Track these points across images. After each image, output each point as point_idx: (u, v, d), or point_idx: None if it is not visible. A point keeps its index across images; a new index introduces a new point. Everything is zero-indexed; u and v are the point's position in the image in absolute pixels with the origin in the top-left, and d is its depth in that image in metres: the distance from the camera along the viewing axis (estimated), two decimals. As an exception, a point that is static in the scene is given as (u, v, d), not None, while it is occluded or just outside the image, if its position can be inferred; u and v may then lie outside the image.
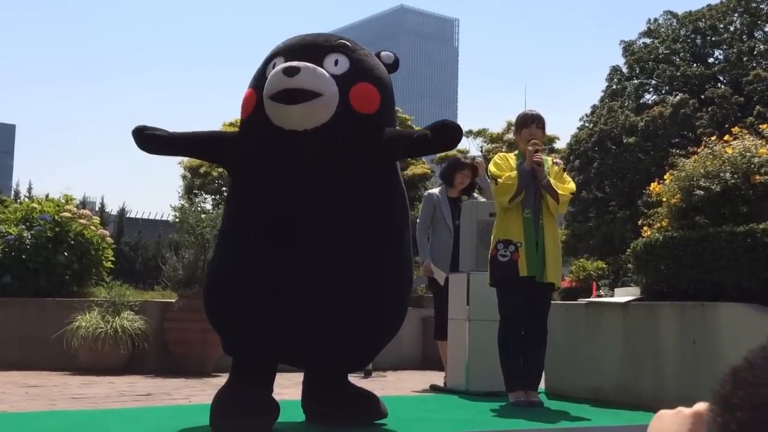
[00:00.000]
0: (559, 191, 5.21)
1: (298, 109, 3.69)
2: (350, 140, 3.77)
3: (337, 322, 3.72)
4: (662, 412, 0.87)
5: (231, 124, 27.23)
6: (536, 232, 5.16)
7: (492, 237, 5.31)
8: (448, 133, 3.75)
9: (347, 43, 3.98)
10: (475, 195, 6.79)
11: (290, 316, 3.67)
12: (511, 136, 33.44)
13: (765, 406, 0.68)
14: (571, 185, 5.42)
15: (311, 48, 3.89)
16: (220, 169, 29.16)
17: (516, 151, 5.46)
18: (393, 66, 4.16)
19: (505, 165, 5.26)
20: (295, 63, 3.69)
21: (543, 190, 5.19)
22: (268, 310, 3.67)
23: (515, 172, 5.15)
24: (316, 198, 3.73)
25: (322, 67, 3.76)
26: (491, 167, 5.31)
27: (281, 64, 3.76)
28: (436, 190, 6.72)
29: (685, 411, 0.84)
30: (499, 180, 5.17)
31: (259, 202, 3.79)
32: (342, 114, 3.73)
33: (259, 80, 3.91)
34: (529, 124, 5.34)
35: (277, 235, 3.70)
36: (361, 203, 3.80)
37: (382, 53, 4.14)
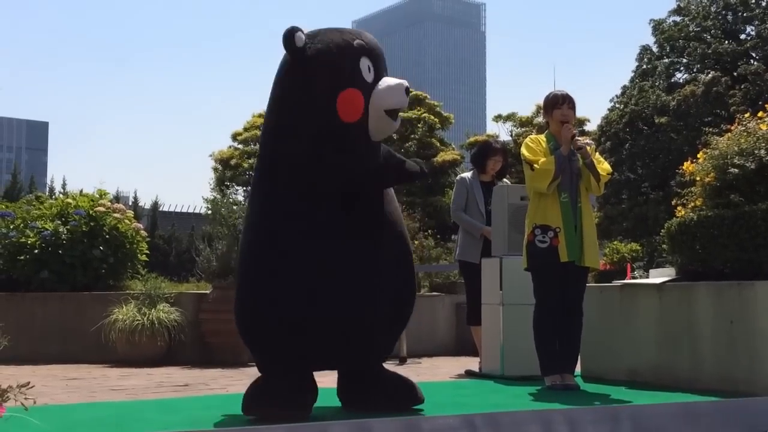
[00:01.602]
0: (602, 179, 5.15)
1: (397, 126, 3.94)
2: None
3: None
4: None
5: (260, 115, 27.31)
6: (575, 215, 5.12)
7: (527, 221, 5.26)
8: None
9: None
10: (505, 180, 6.75)
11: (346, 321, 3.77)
12: (540, 119, 33.23)
13: None
14: (607, 165, 5.34)
15: (382, 56, 4.00)
16: (251, 161, 29.33)
17: (546, 132, 5.39)
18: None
19: (538, 148, 5.19)
20: (404, 81, 3.87)
21: (582, 172, 5.13)
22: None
23: (551, 156, 5.09)
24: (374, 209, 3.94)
25: None
26: (524, 151, 5.24)
27: (396, 79, 3.87)
28: (467, 175, 6.70)
29: None
30: (535, 166, 5.11)
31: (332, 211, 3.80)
32: None
33: (357, 81, 3.81)
34: (561, 104, 5.25)
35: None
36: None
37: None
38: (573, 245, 5.07)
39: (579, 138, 5.10)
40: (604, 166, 5.26)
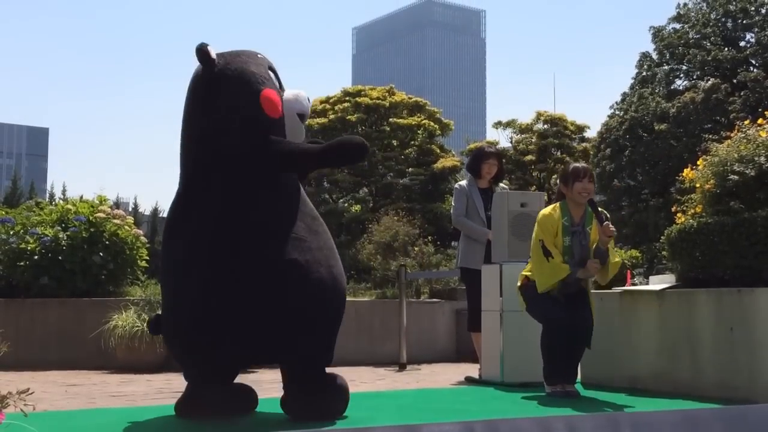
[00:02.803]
0: (608, 268, 5.13)
1: (303, 130, 4.19)
2: None
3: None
4: None
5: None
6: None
7: (525, 273, 5.33)
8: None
9: None
10: (502, 184, 6.76)
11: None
12: (539, 126, 33.27)
13: None
14: (618, 258, 5.29)
15: (277, 72, 4.26)
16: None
17: (561, 203, 5.26)
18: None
19: (551, 225, 5.14)
20: (303, 92, 4.18)
21: (590, 251, 5.16)
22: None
23: (566, 266, 5.07)
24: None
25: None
26: (537, 228, 5.21)
27: (299, 91, 4.17)
28: (464, 182, 6.70)
29: None
30: (551, 259, 5.09)
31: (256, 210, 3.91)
32: None
33: (270, 83, 4.09)
34: (582, 177, 5.18)
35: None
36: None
37: None
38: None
39: (609, 229, 5.01)
40: (616, 260, 5.21)
